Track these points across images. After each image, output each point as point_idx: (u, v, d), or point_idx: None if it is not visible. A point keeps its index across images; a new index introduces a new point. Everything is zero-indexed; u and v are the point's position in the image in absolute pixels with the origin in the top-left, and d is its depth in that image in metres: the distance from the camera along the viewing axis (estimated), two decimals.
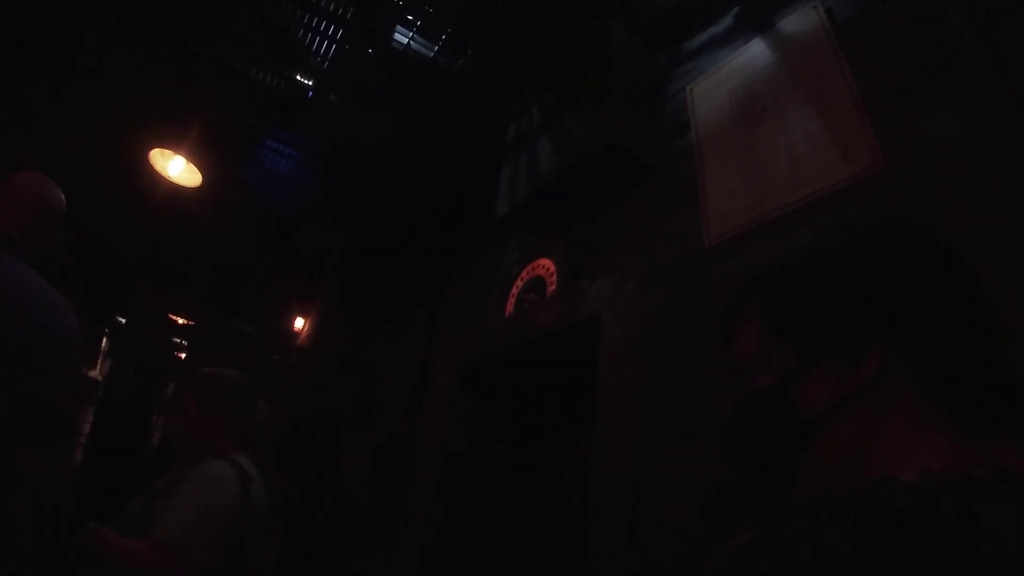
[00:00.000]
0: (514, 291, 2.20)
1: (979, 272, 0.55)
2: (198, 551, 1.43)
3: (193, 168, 3.44)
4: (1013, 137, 1.11)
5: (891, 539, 0.36)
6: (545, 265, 2.09)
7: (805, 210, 1.45)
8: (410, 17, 2.35)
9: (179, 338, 4.24)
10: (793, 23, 1.70)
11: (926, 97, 1.28)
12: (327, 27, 2.44)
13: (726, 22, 1.93)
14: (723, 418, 1.33)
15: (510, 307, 2.20)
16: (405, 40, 2.37)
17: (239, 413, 1.75)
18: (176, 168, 3.50)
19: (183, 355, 4.16)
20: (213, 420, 1.72)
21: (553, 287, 1.99)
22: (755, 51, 1.80)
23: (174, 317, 4.10)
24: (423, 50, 2.40)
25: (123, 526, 1.50)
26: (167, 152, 3.45)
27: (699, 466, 1.37)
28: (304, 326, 4.44)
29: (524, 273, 2.20)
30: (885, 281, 0.55)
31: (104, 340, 5.45)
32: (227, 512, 1.52)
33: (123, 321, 4.62)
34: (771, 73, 1.72)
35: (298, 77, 2.70)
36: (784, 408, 0.57)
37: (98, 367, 5.39)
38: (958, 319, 0.53)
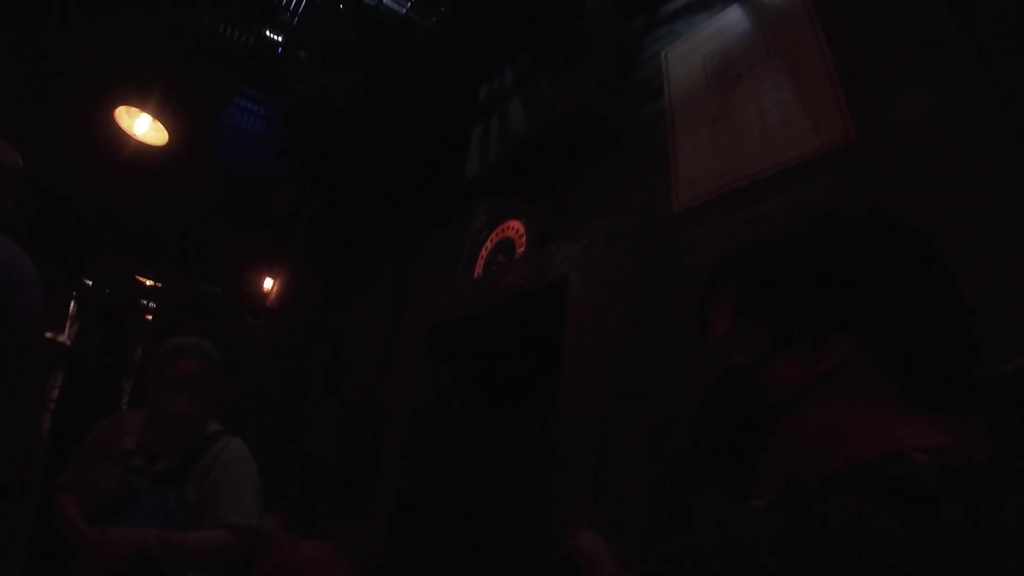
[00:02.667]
0: (483, 253, 2.19)
1: (946, 257, 0.56)
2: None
3: (159, 126, 3.35)
4: (984, 116, 1.12)
5: (926, 515, 0.36)
6: (515, 227, 2.08)
7: (774, 179, 1.46)
8: None
9: (147, 300, 4.17)
10: None
11: (900, 73, 1.28)
12: None
13: None
14: (688, 380, 1.36)
15: (479, 269, 2.19)
16: None
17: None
18: (142, 126, 3.40)
19: (151, 317, 4.09)
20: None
21: (522, 249, 1.98)
22: (732, 17, 1.78)
23: (141, 279, 4.02)
24: (395, 6, 2.33)
25: (156, 519, 1.50)
26: (133, 110, 3.35)
27: (663, 429, 1.39)
28: (273, 287, 4.39)
29: (494, 235, 2.19)
30: (854, 268, 0.55)
31: (71, 304, 5.33)
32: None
33: (90, 284, 4.52)
34: (747, 40, 1.71)
35: (267, 33, 2.62)
36: (755, 388, 0.57)
37: (66, 331, 5.27)
38: (923, 310, 0.54)
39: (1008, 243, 1.00)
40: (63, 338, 5.07)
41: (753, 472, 0.59)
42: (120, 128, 3.38)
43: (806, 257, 0.59)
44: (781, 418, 0.55)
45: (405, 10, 2.34)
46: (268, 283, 4.42)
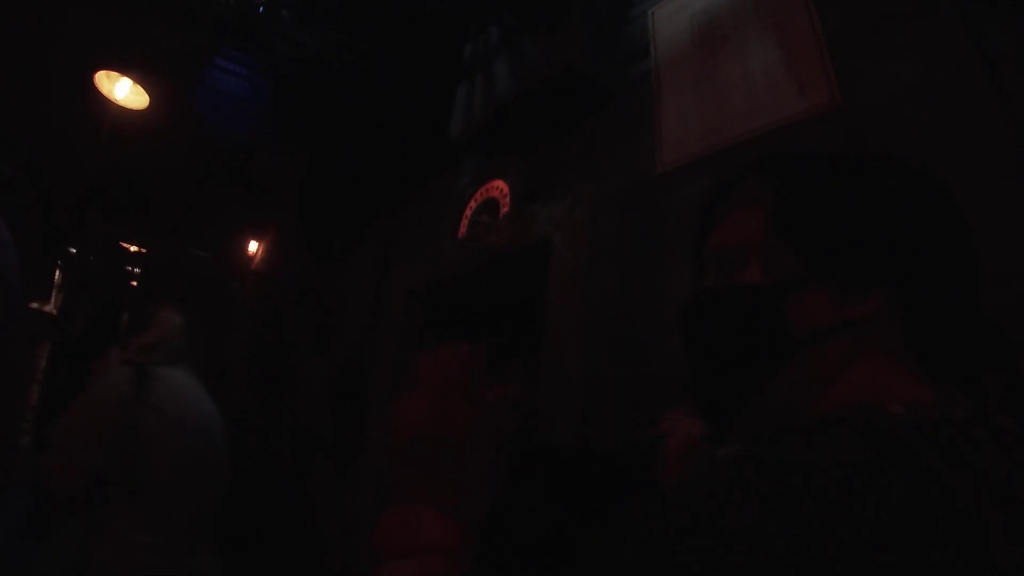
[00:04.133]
0: (467, 212, 2.18)
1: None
2: (79, 447, 1.45)
3: (140, 90, 3.29)
4: (970, 84, 1.12)
5: (894, 462, 0.35)
6: (499, 187, 2.07)
7: (758, 141, 1.46)
8: None
9: (132, 266, 4.13)
10: None
11: (888, 39, 1.28)
12: None
13: None
14: (671, 341, 1.37)
15: (463, 229, 2.18)
16: None
17: (143, 328, 1.78)
18: (123, 90, 3.34)
19: (136, 284, 4.06)
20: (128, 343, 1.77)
21: (506, 209, 1.98)
22: None
23: (126, 245, 3.98)
24: None
25: None
26: (113, 74, 3.29)
27: (646, 390, 1.41)
28: (258, 250, 4.37)
29: (478, 194, 2.17)
30: (908, 226, 0.53)
31: (56, 273, 5.27)
32: (113, 406, 1.52)
33: (74, 252, 4.47)
34: (734, 1, 1.70)
35: None
36: (774, 314, 0.54)
37: (52, 301, 5.23)
38: (962, 285, 0.54)
39: (992, 212, 1.00)
40: (49, 308, 5.03)
41: (742, 406, 0.57)
42: (100, 93, 3.32)
43: (869, 195, 0.55)
44: (791, 354, 0.53)
45: None
46: (253, 246, 4.40)
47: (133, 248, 3.87)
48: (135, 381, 1.57)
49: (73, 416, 1.51)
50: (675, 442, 0.84)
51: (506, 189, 2.00)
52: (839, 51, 1.37)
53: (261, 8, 2.59)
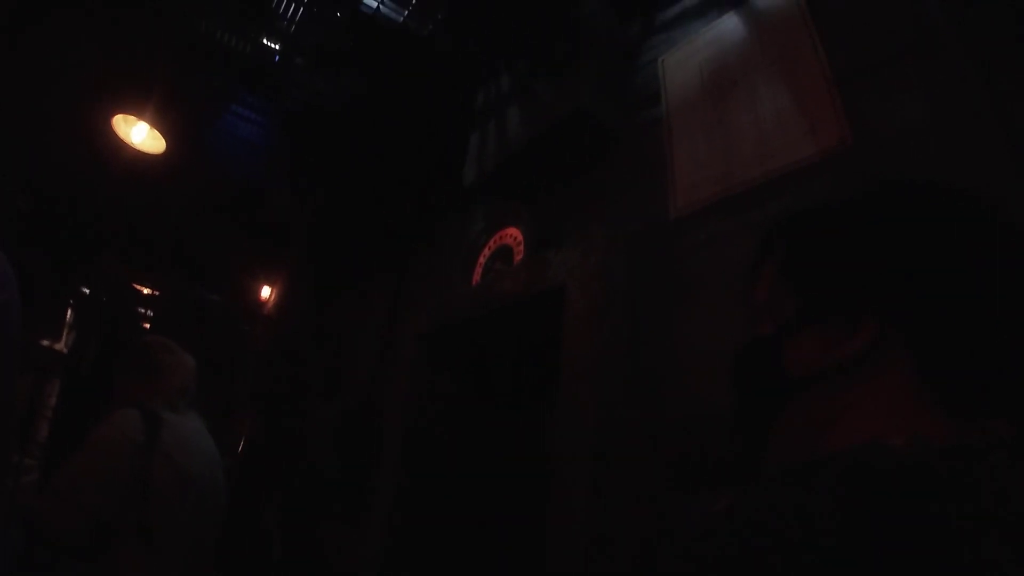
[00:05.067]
0: (481, 260, 2.19)
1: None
2: (79, 492, 1.44)
3: (157, 134, 3.36)
4: (980, 120, 1.12)
5: (877, 500, 0.33)
6: (512, 234, 2.08)
7: (771, 185, 1.46)
8: None
9: (144, 308, 4.15)
10: None
11: (896, 78, 1.28)
12: None
13: None
14: (686, 384, 1.36)
15: (477, 276, 2.19)
16: (374, 4, 2.32)
17: (154, 369, 1.77)
18: (139, 134, 3.42)
19: (148, 325, 4.08)
20: (129, 380, 1.76)
21: (520, 256, 1.99)
22: (728, 25, 1.79)
23: (139, 287, 4.01)
24: (392, 14, 2.35)
25: None
26: (130, 118, 3.37)
27: (660, 433, 1.39)
28: (271, 295, 4.40)
29: (492, 242, 2.19)
30: (904, 244, 0.49)
31: (69, 311, 5.32)
32: (119, 452, 1.50)
33: (87, 292, 4.51)
34: (743, 47, 1.72)
35: (264, 41, 2.63)
36: (772, 362, 0.53)
37: (63, 339, 5.26)
38: (972, 298, 0.46)
39: None
40: (60, 346, 5.06)
41: (759, 452, 0.56)
42: (118, 136, 3.40)
43: (852, 225, 0.54)
44: (791, 399, 0.52)
45: (403, 17, 2.36)
46: (266, 291, 4.44)
47: (146, 290, 3.90)
48: (145, 428, 1.56)
49: (77, 460, 1.50)
50: None
51: (520, 236, 2.02)
52: (848, 91, 1.37)
53: (277, 57, 2.66)
